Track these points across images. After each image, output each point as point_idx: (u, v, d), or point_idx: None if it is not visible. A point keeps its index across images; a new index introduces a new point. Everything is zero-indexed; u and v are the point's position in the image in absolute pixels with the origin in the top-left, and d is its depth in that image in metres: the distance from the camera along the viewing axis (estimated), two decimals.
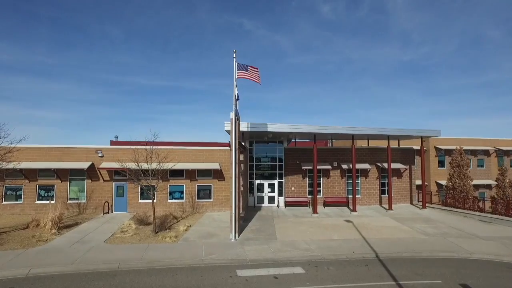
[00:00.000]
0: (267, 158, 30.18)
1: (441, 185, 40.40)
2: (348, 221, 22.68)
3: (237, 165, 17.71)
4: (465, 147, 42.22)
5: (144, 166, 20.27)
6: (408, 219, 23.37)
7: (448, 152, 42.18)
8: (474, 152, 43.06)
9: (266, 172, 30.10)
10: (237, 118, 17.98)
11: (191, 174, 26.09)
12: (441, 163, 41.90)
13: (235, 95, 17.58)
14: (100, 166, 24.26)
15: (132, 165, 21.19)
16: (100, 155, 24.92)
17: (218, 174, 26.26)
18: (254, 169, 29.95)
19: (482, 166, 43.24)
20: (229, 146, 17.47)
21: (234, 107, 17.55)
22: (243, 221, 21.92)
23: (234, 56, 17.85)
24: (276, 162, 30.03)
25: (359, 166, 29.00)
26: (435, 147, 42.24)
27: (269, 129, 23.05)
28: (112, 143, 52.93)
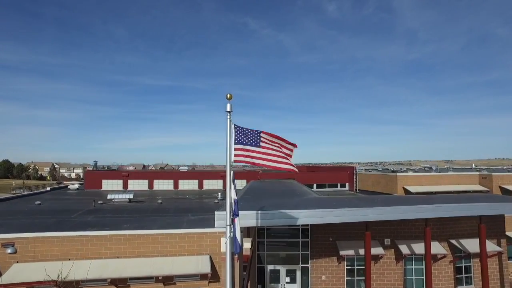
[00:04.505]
0: (286, 232, 20.16)
1: None
2: None
3: None
4: None
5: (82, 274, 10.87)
6: None
7: None
8: None
9: (284, 252, 20.08)
10: (235, 254, 8.01)
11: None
12: None
13: (232, 203, 7.55)
14: (3, 283, 14.33)
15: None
16: (9, 251, 15.07)
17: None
18: (265, 248, 19.96)
19: None
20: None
21: (227, 234, 7.54)
22: None
23: (229, 109, 7.88)
24: (299, 238, 19.98)
25: (421, 244, 19.00)
26: (500, 187, 32.06)
27: (294, 221, 13.03)
28: (87, 176, 43.07)
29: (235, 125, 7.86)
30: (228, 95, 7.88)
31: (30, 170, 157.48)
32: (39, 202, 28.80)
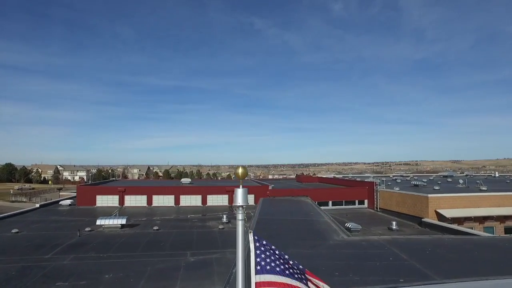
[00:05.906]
0: None
1: None
2: None
3: None
4: None
5: None
6: None
7: None
8: None
9: None
10: None
11: None
12: None
13: None
14: None
15: None
16: None
17: None
18: None
19: None
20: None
21: None
22: None
23: (241, 202, 3.83)
24: None
25: None
26: None
27: None
28: (79, 191, 39.21)
29: (255, 238, 3.81)
30: (240, 171, 3.87)
31: (33, 173, 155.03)
32: (16, 230, 25.01)
